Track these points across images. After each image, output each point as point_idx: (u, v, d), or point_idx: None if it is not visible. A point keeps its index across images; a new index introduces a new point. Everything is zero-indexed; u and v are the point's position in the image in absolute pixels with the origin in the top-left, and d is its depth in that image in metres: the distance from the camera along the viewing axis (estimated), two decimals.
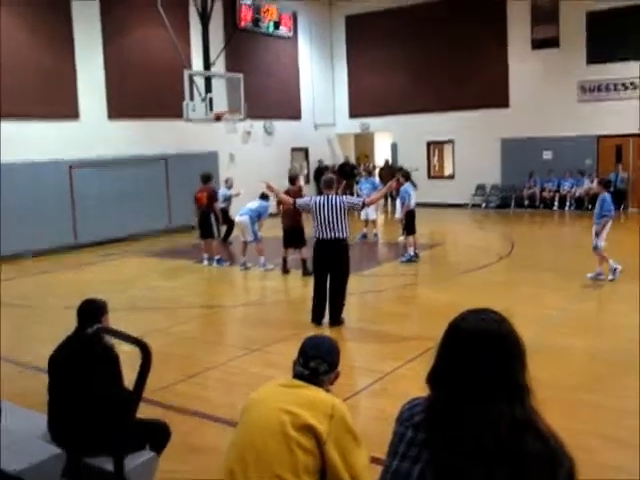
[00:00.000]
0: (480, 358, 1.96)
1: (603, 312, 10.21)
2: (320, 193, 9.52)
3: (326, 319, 9.22)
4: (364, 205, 9.62)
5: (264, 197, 13.93)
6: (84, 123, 18.19)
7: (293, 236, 13.12)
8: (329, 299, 9.20)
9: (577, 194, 22.10)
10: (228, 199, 16.99)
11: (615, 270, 11.32)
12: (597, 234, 11.33)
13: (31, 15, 16.91)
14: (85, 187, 17.94)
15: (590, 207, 21.45)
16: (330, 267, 9.10)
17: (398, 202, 15.24)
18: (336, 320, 9.17)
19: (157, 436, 4.57)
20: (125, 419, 3.76)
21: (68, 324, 4.74)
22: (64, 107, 17.71)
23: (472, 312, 2.09)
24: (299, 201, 9.56)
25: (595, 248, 11.40)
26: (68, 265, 15.59)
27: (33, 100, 16.80)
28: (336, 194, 9.40)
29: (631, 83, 21.30)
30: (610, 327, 8.97)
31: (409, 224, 14.26)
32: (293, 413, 2.99)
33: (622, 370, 7.13)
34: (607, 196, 11.39)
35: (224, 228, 16.93)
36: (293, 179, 13.89)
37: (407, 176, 14.55)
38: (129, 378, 4.50)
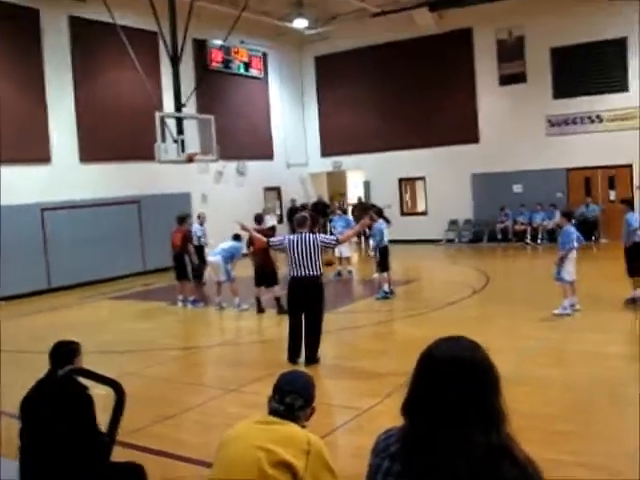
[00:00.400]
0: (454, 385, 1.96)
1: (578, 341, 10.23)
2: (294, 232, 9.55)
3: (302, 358, 9.17)
4: (337, 242, 9.68)
5: (237, 238, 14.00)
6: (56, 167, 18.17)
7: (264, 275, 13.17)
8: (305, 337, 9.17)
9: (549, 227, 22.30)
10: (199, 238, 16.96)
11: (573, 306, 11.40)
12: (558, 263, 11.42)
13: (2, 61, 16.93)
14: (58, 230, 17.85)
15: None
16: (305, 305, 9.10)
17: (372, 239, 15.30)
18: (312, 359, 9.13)
19: (132, 479, 4.50)
20: (99, 462, 3.70)
21: (41, 369, 4.67)
22: (35, 151, 17.68)
23: (445, 340, 2.10)
24: (272, 240, 9.62)
25: (557, 278, 11.48)
26: (41, 309, 15.44)
27: (3, 144, 16.70)
28: (311, 232, 9.45)
29: (597, 116, 21.74)
30: (586, 356, 9.02)
31: (383, 261, 14.29)
32: (269, 450, 2.97)
33: (600, 399, 7.17)
34: (569, 227, 11.52)
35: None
36: (260, 219, 13.99)
37: (379, 213, 14.64)
38: (104, 421, 4.44)
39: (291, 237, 9.21)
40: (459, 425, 1.93)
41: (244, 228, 10.27)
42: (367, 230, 17.74)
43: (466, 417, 1.94)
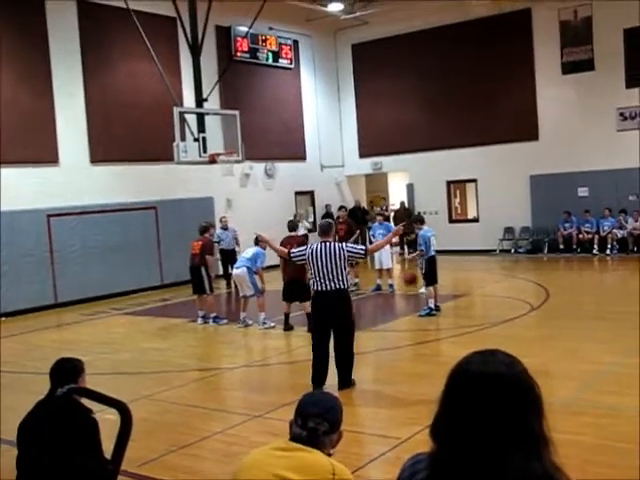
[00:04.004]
0: (488, 404, 1.94)
1: None
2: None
3: (332, 382, 9.10)
4: (366, 253, 9.66)
5: (258, 242, 13.95)
6: (64, 168, 18.43)
7: (295, 289, 13.17)
8: (336, 359, 9.17)
9: (620, 235, 22.04)
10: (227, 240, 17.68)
11: None
12: None
13: (5, 52, 17.25)
14: (66, 238, 18.11)
15: (636, 249, 21.43)
16: (332, 322, 9.08)
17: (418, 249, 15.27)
18: (345, 382, 9.11)
19: None
20: None
21: (44, 391, 4.73)
22: (42, 151, 17.96)
23: (479, 353, 2.09)
24: (294, 251, 9.59)
25: None
26: (47, 325, 15.67)
27: (8, 143, 17.00)
28: (334, 241, 9.49)
29: None
30: None
31: (430, 273, 14.26)
32: None
33: None
34: None
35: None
36: (293, 227, 14.01)
37: (421, 220, 14.69)
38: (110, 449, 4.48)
39: (314, 247, 9.21)
40: (494, 449, 1.91)
41: (262, 240, 10.37)
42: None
43: (502, 440, 1.92)
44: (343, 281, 9.03)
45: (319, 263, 8.99)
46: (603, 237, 22.39)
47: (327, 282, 8.97)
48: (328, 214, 25.59)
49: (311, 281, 9.29)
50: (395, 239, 19.76)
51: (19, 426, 4.52)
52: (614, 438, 6.87)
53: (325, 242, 9.20)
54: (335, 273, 8.96)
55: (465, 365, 2.06)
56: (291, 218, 16.91)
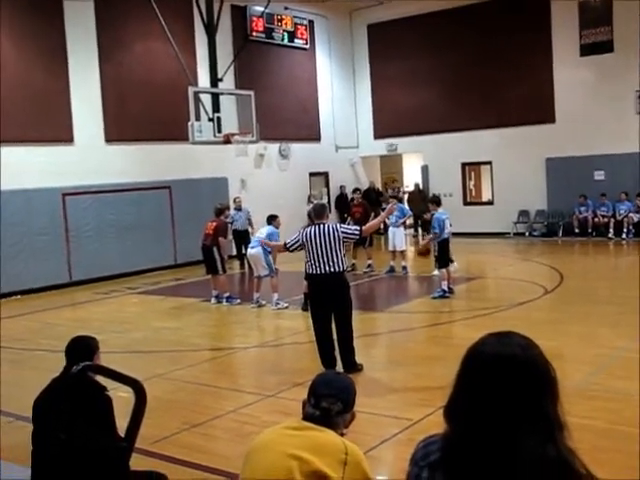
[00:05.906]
0: (502, 387, 1.95)
1: None
2: (342, 222, 9.49)
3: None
4: (361, 233, 9.46)
5: (271, 221, 14.01)
6: (79, 147, 18.47)
7: None
8: (337, 342, 9.10)
9: (636, 219, 21.90)
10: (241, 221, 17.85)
11: None
12: None
13: (21, 30, 17.29)
14: (80, 218, 18.19)
15: None
16: (329, 305, 9.01)
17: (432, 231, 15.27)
18: (349, 364, 8.97)
19: None
20: (116, 469, 3.78)
21: (59, 369, 4.77)
22: (57, 130, 18.00)
23: (494, 335, 2.09)
24: (288, 241, 9.41)
25: None
26: (61, 304, 15.78)
27: (23, 123, 17.09)
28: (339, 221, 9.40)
29: None
30: None
31: (442, 255, 14.25)
32: (302, 459, 2.98)
33: None
34: None
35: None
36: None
37: (438, 202, 14.65)
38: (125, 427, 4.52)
39: (308, 230, 9.08)
40: (508, 432, 1.92)
41: (267, 244, 10.72)
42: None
43: (516, 423, 1.92)
44: (339, 264, 8.88)
45: (314, 246, 8.88)
46: (619, 221, 22.27)
47: (322, 265, 8.85)
48: (342, 195, 25.62)
49: (307, 264, 9.14)
50: (409, 220, 19.83)
51: (34, 403, 4.57)
52: (622, 422, 6.87)
53: (319, 224, 9.08)
54: (330, 255, 8.82)
55: (480, 347, 2.06)
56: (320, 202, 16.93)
